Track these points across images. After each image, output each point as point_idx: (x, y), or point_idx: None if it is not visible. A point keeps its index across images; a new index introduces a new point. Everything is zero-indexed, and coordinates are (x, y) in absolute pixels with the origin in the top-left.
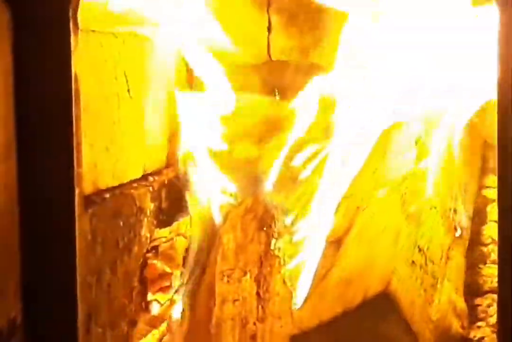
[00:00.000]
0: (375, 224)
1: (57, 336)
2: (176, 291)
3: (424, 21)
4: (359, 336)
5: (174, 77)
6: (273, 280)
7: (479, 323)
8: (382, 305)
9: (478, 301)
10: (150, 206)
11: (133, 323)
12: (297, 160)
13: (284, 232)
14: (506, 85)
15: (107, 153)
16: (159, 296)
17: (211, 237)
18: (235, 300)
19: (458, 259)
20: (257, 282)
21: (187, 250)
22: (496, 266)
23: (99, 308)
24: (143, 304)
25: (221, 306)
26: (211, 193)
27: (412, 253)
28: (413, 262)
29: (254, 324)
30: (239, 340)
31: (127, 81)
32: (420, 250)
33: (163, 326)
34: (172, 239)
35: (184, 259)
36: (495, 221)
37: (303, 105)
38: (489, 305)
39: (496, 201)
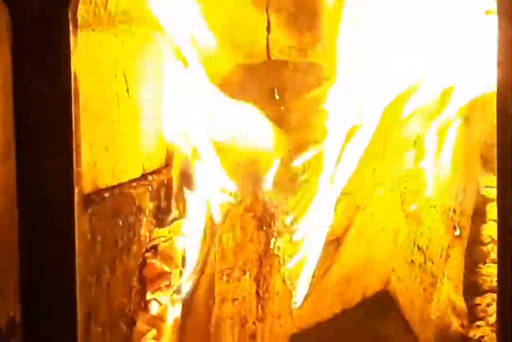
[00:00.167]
0: (374, 223)
1: (57, 336)
2: (175, 291)
3: (424, 21)
4: (359, 335)
5: (173, 77)
6: (272, 279)
7: (479, 322)
8: (381, 304)
9: (477, 300)
10: (149, 205)
11: (132, 323)
12: (297, 160)
13: (283, 231)
14: (506, 85)
15: (106, 152)
16: (158, 295)
17: (210, 236)
18: (234, 299)
19: (458, 258)
20: (257, 281)
21: (186, 249)
22: (495, 265)
23: (99, 307)
24: (142, 303)
25: (221, 305)
26: (210, 192)
27: (412, 252)
28: (412, 261)
29: (254, 323)
30: (238, 340)
31: (126, 81)
32: (419, 249)
33: (162, 325)
34: (171, 238)
35: (183, 258)
36: (494, 220)
37: (303, 105)
38: (489, 304)
39: (496, 200)
